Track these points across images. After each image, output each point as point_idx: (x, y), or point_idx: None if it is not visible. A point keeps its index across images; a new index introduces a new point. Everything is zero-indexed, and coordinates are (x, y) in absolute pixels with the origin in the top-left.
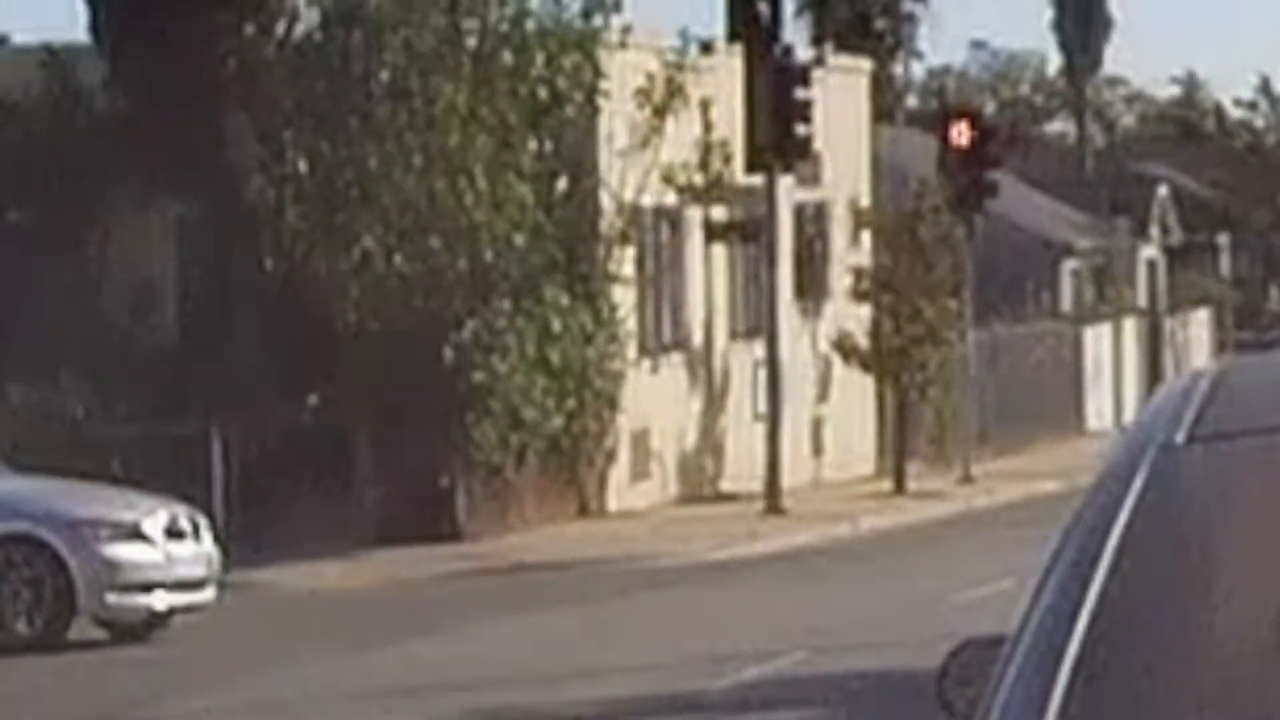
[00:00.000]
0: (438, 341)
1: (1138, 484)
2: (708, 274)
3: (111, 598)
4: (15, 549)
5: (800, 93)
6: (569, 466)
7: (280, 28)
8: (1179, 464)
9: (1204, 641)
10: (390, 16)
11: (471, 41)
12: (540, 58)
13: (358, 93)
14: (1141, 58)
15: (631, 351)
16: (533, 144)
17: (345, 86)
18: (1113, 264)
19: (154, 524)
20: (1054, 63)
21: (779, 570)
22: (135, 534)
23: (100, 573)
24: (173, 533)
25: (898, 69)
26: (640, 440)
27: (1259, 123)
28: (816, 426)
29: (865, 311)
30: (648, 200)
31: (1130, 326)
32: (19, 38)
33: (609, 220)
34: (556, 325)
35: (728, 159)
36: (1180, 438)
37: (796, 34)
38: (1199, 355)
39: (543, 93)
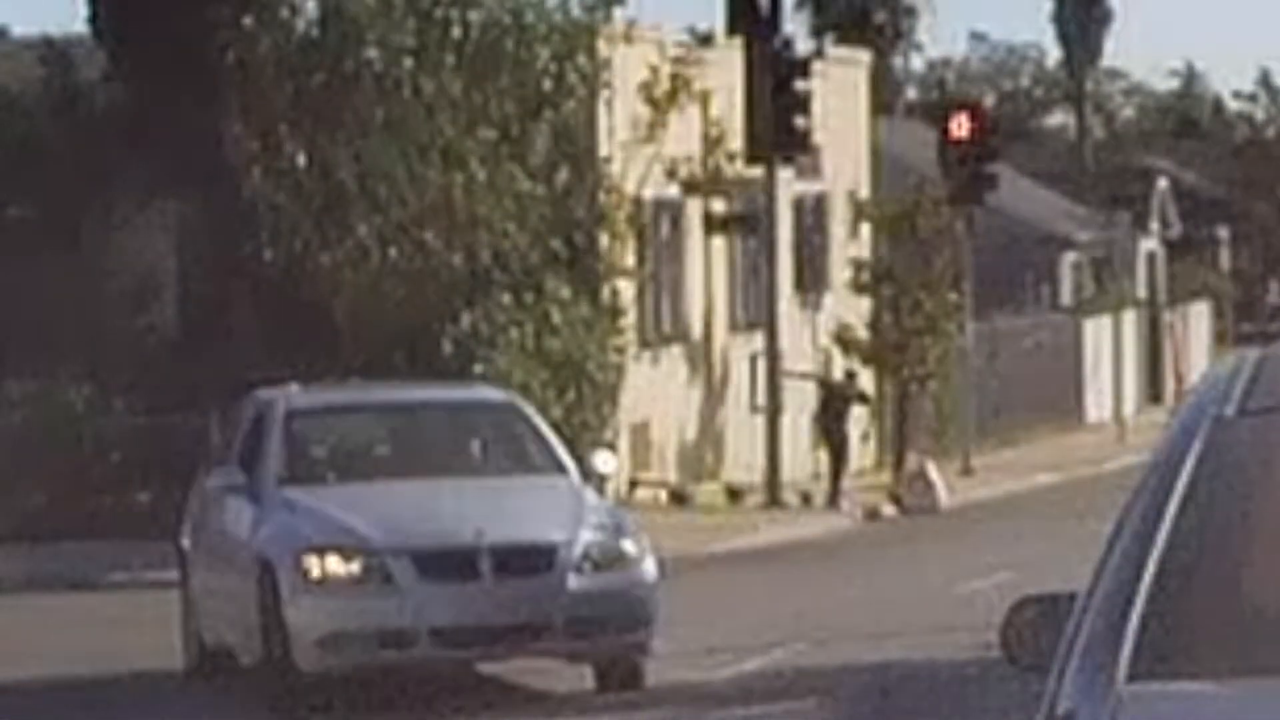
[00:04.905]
0: (436, 334)
1: (1194, 452)
2: (707, 266)
3: None
4: None
5: (800, 85)
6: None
7: (279, 21)
8: (1231, 434)
9: (1256, 589)
10: (368, 10)
11: (457, 32)
12: (542, 51)
13: (352, 85)
14: (1141, 50)
15: (631, 344)
16: (534, 136)
17: (342, 79)
18: (1112, 257)
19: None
20: (1053, 55)
21: (779, 562)
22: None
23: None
24: None
25: (897, 61)
26: (640, 432)
27: (1259, 115)
28: (816, 419)
29: (865, 304)
30: (648, 193)
31: (1130, 319)
32: (18, 30)
33: (611, 213)
34: (557, 317)
35: (730, 154)
36: (1231, 411)
37: (796, 26)
38: (1198, 348)
39: (544, 85)
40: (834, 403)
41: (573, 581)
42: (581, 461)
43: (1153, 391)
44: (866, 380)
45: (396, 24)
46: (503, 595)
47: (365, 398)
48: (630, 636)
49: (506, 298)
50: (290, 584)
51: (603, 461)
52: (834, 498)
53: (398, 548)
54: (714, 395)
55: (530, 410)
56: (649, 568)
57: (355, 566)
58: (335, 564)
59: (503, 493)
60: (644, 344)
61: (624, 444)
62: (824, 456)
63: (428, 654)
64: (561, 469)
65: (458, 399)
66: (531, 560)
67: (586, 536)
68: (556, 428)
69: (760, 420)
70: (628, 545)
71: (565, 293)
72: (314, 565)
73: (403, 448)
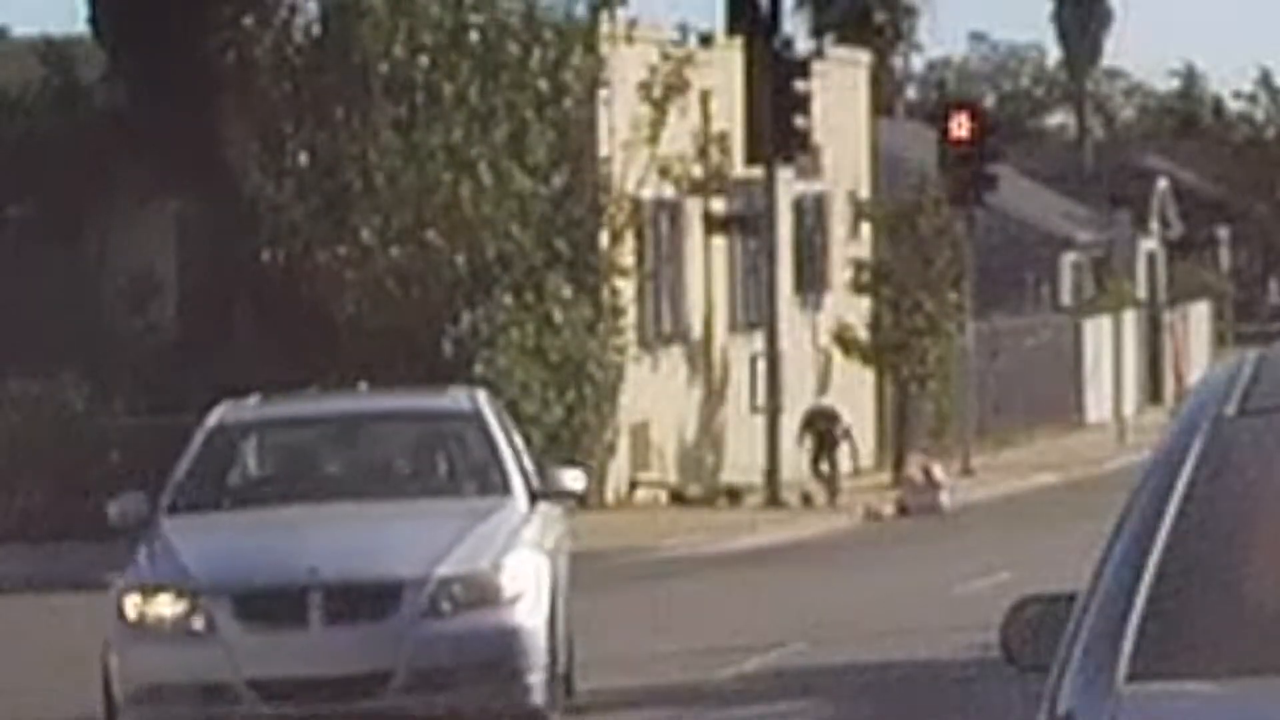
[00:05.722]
0: (437, 334)
1: (1195, 452)
2: (707, 267)
3: None
4: None
5: (800, 85)
6: (568, 459)
7: (279, 21)
8: (1231, 434)
9: (1256, 589)
10: (393, 10)
11: (475, 36)
12: (545, 51)
13: (358, 85)
14: (1141, 50)
15: (631, 344)
16: (535, 136)
17: (345, 79)
18: (1112, 257)
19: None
20: (1053, 55)
21: (779, 562)
22: None
23: None
24: None
25: (897, 61)
26: (640, 433)
27: (1258, 115)
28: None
29: (865, 304)
30: (648, 193)
31: (1130, 319)
32: (19, 30)
33: (611, 213)
34: (558, 317)
35: (725, 150)
36: (1231, 411)
37: (796, 26)
38: (1198, 348)
39: (546, 85)
40: (817, 425)
41: (423, 626)
42: (545, 477)
43: (1153, 391)
44: (867, 380)
45: (419, 23)
46: (335, 642)
47: (309, 411)
48: (497, 690)
49: (508, 298)
50: (115, 628)
51: (572, 479)
52: (833, 496)
53: (218, 588)
54: (714, 395)
55: (494, 420)
56: (530, 606)
57: (181, 609)
58: (162, 606)
59: (383, 519)
60: (644, 344)
61: (624, 444)
62: (822, 456)
63: (254, 710)
64: (504, 487)
65: (413, 410)
66: (371, 601)
67: (446, 571)
68: (556, 428)
69: (760, 420)
70: (506, 581)
71: (566, 292)
72: (135, 608)
73: (325, 467)
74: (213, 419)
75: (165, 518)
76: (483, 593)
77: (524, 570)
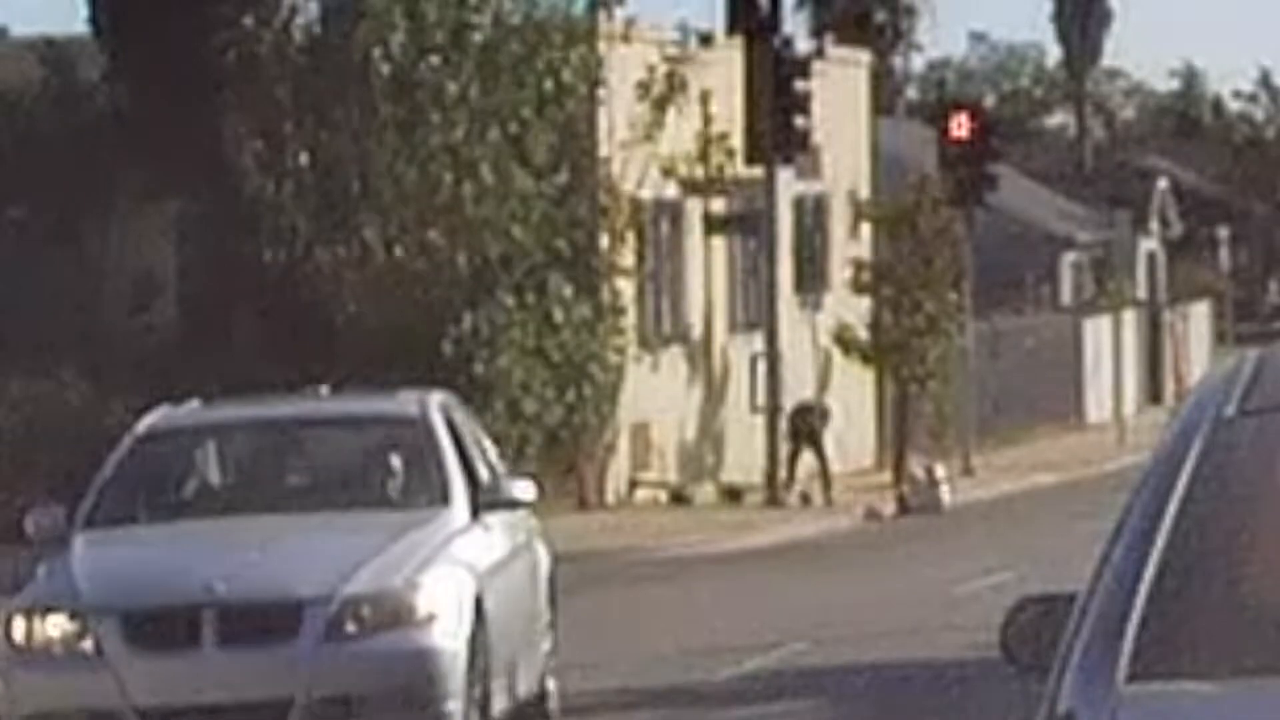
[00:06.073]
0: (437, 334)
1: (1195, 452)
2: (707, 266)
3: None
4: None
5: (800, 85)
6: (568, 459)
7: (280, 20)
8: (1231, 434)
9: (1256, 589)
10: (396, 9)
11: (478, 36)
12: (549, 51)
13: (359, 85)
14: (1141, 50)
15: (631, 344)
16: (538, 136)
17: (346, 79)
18: (1112, 257)
19: None
20: (1053, 55)
21: (779, 562)
22: None
23: None
24: None
25: (897, 61)
26: (640, 433)
27: (1258, 115)
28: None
29: (865, 304)
30: (648, 193)
31: (1130, 319)
32: (18, 30)
33: (611, 213)
34: (559, 317)
35: (730, 152)
36: (1231, 411)
37: (796, 26)
38: (1198, 348)
39: (547, 85)
40: (797, 423)
41: (326, 649)
42: (492, 487)
43: (1153, 391)
44: (867, 380)
45: (426, 23)
46: (230, 666)
47: (245, 416)
48: (409, 718)
49: (509, 298)
50: (2, 652)
51: (520, 489)
52: (827, 490)
53: (106, 608)
54: (714, 395)
55: (441, 426)
56: (448, 627)
57: (70, 631)
58: (51, 628)
59: (298, 533)
60: (644, 344)
61: (624, 444)
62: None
63: None
64: (444, 498)
65: (355, 415)
66: (269, 622)
67: (353, 589)
68: (556, 428)
69: (760, 420)
70: (421, 600)
71: (567, 292)
72: (21, 629)
73: (253, 476)
74: (142, 425)
75: (79, 532)
76: (394, 613)
77: (443, 588)
